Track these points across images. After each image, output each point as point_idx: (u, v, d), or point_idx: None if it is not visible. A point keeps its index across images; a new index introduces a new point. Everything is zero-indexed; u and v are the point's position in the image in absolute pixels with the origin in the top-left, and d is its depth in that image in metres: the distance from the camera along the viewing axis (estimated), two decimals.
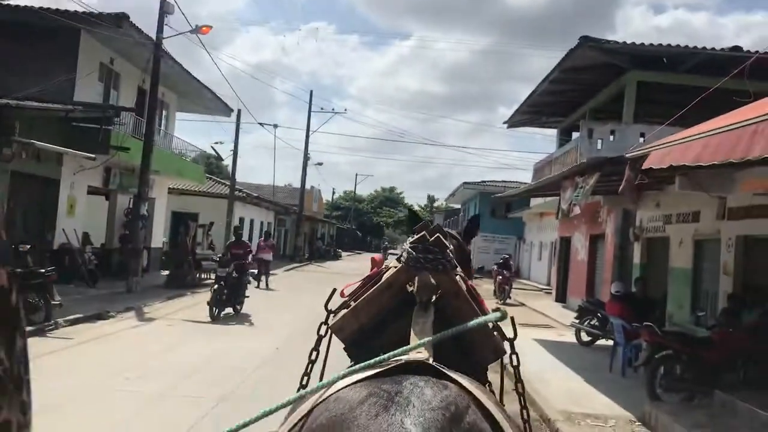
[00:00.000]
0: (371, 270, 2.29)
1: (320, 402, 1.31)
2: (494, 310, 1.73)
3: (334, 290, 1.91)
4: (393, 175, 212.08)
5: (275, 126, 44.52)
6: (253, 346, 10.62)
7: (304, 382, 1.88)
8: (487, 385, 1.75)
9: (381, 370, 1.35)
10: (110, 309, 12.98)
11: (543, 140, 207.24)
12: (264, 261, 22.53)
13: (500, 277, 22.10)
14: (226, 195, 31.25)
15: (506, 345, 1.83)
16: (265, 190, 55.04)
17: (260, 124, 33.40)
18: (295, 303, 17.08)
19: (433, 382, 1.27)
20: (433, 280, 1.64)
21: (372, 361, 1.39)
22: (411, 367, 1.35)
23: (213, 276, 21.53)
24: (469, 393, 1.29)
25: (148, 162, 16.98)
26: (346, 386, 1.31)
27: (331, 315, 1.84)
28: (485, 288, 27.69)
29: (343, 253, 62.38)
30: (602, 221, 18.09)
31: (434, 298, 1.64)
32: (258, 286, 20.46)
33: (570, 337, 14.51)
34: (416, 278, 1.65)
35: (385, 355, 1.41)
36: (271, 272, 31.29)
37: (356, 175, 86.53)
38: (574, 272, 20.52)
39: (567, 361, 11.24)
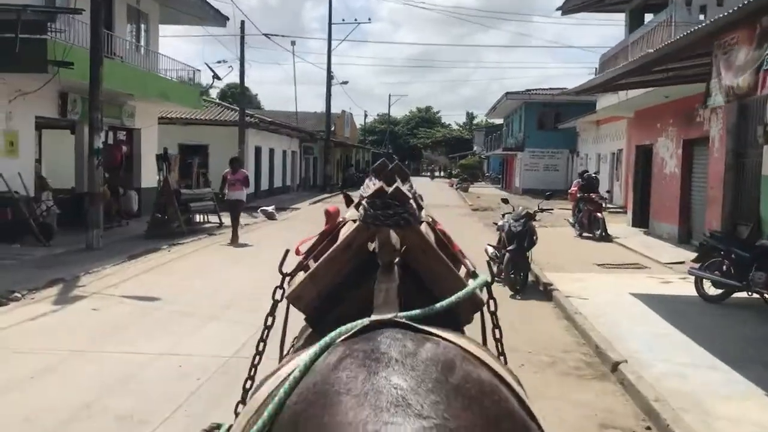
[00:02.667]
0: (325, 224, 1.83)
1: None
2: (472, 276, 1.60)
3: (288, 251, 1.79)
4: (429, 96, 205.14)
5: (293, 42, 40.14)
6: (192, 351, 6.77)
7: (260, 348, 1.71)
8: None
9: (347, 335, 1.15)
10: (28, 283, 9.25)
11: (585, 54, 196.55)
12: (232, 202, 15.31)
13: (587, 205, 16.82)
14: (236, 122, 27.23)
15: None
16: (294, 118, 51.13)
17: (266, 35, 28.46)
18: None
19: (411, 334, 1.12)
20: (395, 237, 1.44)
21: (332, 334, 1.17)
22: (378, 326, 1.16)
23: (208, 219, 17.95)
24: (455, 344, 1.13)
25: (96, 79, 12.95)
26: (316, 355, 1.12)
27: (287, 279, 1.69)
28: (559, 216, 23.61)
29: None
30: (702, 120, 13.51)
31: (398, 258, 1.43)
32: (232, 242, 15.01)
33: (680, 285, 10.35)
34: (377, 237, 1.43)
35: (347, 325, 1.19)
36: (293, 206, 27.78)
37: (389, 95, 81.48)
38: (660, 190, 16.06)
39: (704, 338, 7.10)
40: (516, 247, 9.79)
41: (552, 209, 18.09)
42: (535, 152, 41.04)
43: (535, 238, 10.17)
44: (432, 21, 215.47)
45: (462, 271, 1.63)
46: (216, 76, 21.60)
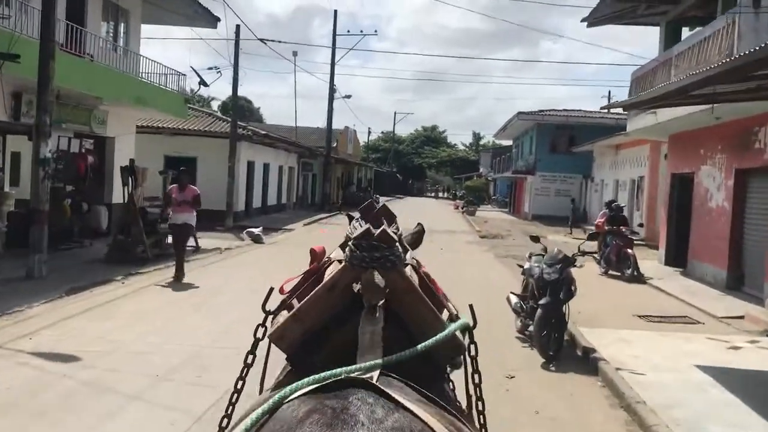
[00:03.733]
0: (310, 264, 1.84)
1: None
2: (453, 319, 1.62)
3: (272, 289, 1.79)
4: (434, 116, 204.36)
5: (295, 53, 38.27)
6: None
7: (239, 386, 1.70)
8: (448, 384, 1.70)
9: (321, 384, 1.20)
10: None
11: (596, 71, 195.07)
12: (178, 227, 11.95)
13: (617, 240, 14.55)
14: (228, 134, 25.15)
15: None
16: (296, 132, 49.16)
17: (262, 40, 26.45)
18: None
19: (383, 401, 1.15)
20: (380, 279, 1.46)
21: (312, 378, 1.23)
22: (352, 384, 1.20)
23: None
24: (420, 419, 1.14)
25: (46, 75, 10.86)
26: (284, 403, 1.18)
27: (270, 317, 1.69)
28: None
29: (382, 198, 56.10)
30: (763, 146, 11.39)
31: (383, 300, 1.46)
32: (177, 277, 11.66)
33: (753, 353, 8.16)
34: (362, 278, 1.47)
35: (328, 372, 1.24)
36: (285, 227, 25.58)
37: (395, 113, 79.52)
38: (702, 226, 13.90)
39: None
40: (550, 301, 7.63)
41: (595, 252, 15.95)
42: (546, 176, 38.92)
43: (573, 288, 8.00)
44: (440, 40, 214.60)
45: (445, 315, 1.63)
46: (203, 82, 19.66)
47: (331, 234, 14.92)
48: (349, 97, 41.88)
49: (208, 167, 25.18)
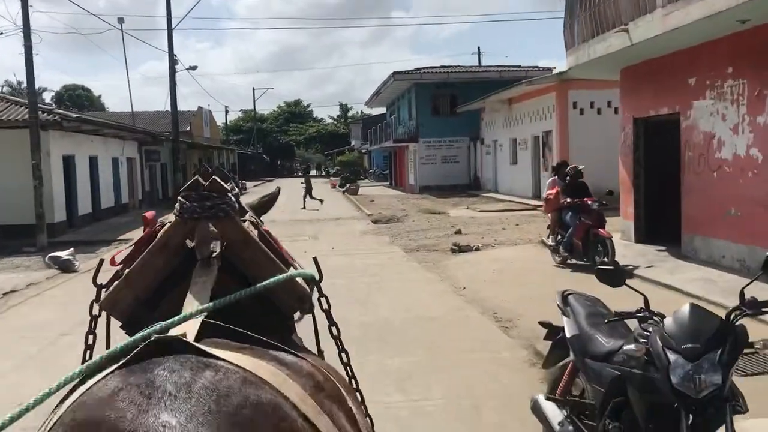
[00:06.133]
0: (143, 231, 1.66)
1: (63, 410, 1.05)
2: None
3: (102, 261, 1.69)
4: (295, 93, 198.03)
5: (120, 20, 31.46)
6: None
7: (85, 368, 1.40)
8: (295, 337, 1.56)
9: (130, 357, 1.09)
10: None
11: (445, 49, 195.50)
12: None
13: (584, 218, 10.13)
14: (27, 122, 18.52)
15: None
16: (143, 117, 41.80)
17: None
18: None
19: (192, 362, 1.06)
20: (215, 230, 1.40)
21: (117, 346, 1.17)
22: (167, 347, 1.11)
23: None
24: (239, 366, 1.08)
25: None
26: (90, 386, 1.07)
27: (103, 290, 1.53)
28: (485, 220, 16.88)
29: (249, 184, 49.76)
30: None
31: (218, 251, 1.39)
32: None
33: None
34: (195, 231, 1.42)
35: (138, 335, 1.17)
36: (122, 238, 19.02)
37: (253, 89, 72.38)
38: (708, 185, 9.77)
39: None
40: None
41: (548, 236, 11.55)
42: (431, 143, 34.81)
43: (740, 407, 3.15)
44: (291, 18, 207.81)
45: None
46: None
47: None
48: (194, 68, 35.40)
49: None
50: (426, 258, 12.82)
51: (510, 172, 28.14)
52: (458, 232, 16.56)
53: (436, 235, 16.52)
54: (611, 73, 12.39)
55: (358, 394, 1.59)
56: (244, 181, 52.28)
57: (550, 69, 33.67)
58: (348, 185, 38.33)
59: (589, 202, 10.31)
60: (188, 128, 44.22)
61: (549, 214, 11.30)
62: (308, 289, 1.50)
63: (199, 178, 1.45)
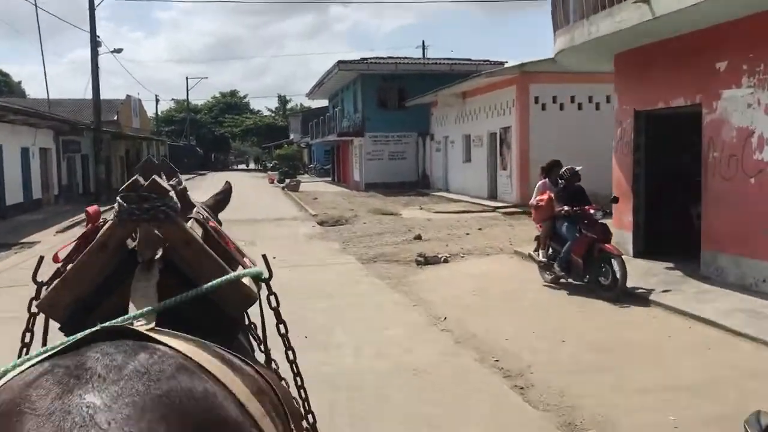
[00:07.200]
0: (86, 226, 1.63)
1: None
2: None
3: (42, 258, 1.60)
4: (231, 85, 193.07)
5: None
6: None
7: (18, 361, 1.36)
8: (242, 338, 1.62)
9: (67, 344, 1.09)
10: None
11: (384, 43, 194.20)
12: None
13: (586, 230, 8.46)
14: None
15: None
16: (65, 105, 38.14)
17: None
18: None
19: (127, 346, 1.05)
20: (156, 232, 1.37)
21: (63, 341, 1.13)
22: (106, 335, 1.09)
23: None
24: (176, 350, 1.07)
25: None
26: (20, 371, 1.05)
27: (43, 289, 1.49)
28: (448, 223, 14.70)
29: (181, 178, 46.50)
30: None
31: (159, 254, 1.38)
32: None
33: None
34: (137, 232, 1.38)
35: (80, 333, 1.11)
36: (24, 240, 15.81)
37: (187, 78, 68.59)
38: (742, 193, 8.11)
39: None
40: None
41: (535, 250, 9.75)
42: (378, 137, 32.88)
43: None
44: (226, 10, 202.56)
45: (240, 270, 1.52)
46: None
47: None
48: (119, 51, 32.19)
49: None
50: (388, 272, 10.87)
51: (462, 171, 26.49)
52: (418, 237, 14.71)
53: (393, 240, 14.59)
54: (603, 59, 10.70)
55: (304, 402, 1.68)
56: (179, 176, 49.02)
57: (501, 63, 32.28)
58: (288, 181, 35.96)
59: (592, 211, 8.55)
60: (116, 117, 40.86)
61: (538, 225, 9.50)
62: (255, 289, 1.47)
63: (139, 178, 1.41)
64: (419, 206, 22.81)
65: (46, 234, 17.52)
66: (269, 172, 52.60)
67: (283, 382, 1.58)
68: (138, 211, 1.33)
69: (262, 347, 1.77)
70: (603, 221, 8.68)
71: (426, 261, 11.53)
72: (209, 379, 1.04)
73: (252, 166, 72.47)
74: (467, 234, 15.35)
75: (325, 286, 9.67)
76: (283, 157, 56.32)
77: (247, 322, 1.76)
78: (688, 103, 8.76)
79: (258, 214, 21.34)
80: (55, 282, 1.40)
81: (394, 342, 6.80)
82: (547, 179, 9.56)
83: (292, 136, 66.13)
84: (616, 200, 8.65)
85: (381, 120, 32.66)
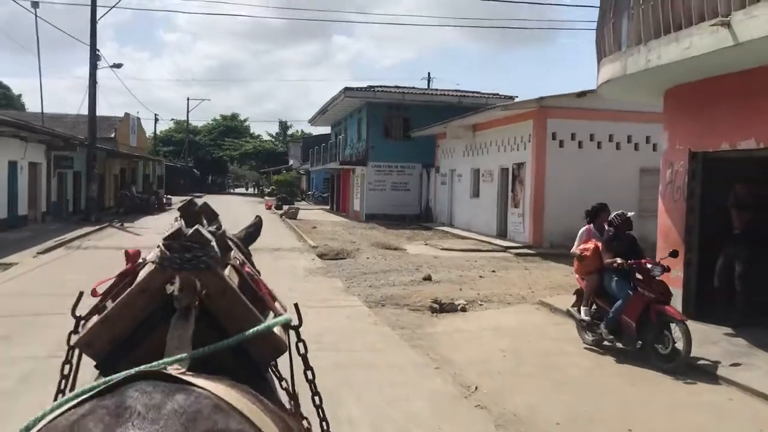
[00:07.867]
0: (126, 265, 1.68)
1: None
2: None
3: (81, 293, 1.70)
4: (232, 109, 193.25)
5: (35, 3, 27.25)
6: None
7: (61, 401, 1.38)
8: (269, 383, 1.57)
9: (105, 386, 1.10)
10: None
11: (387, 74, 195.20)
12: None
13: (644, 288, 7.19)
14: None
15: None
16: (62, 120, 37.04)
17: None
18: None
19: (164, 386, 1.08)
20: (195, 280, 1.39)
21: (99, 381, 1.16)
22: (142, 378, 1.12)
23: None
24: (211, 393, 1.09)
25: None
26: (61, 413, 1.06)
27: (82, 322, 1.58)
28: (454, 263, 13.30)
29: (176, 199, 45.20)
30: None
31: (197, 302, 1.39)
32: None
33: None
34: (176, 280, 1.40)
35: (118, 375, 1.14)
36: (2, 261, 14.59)
37: (188, 99, 67.59)
38: None
39: None
40: None
41: (574, 305, 8.50)
42: (381, 167, 31.75)
43: None
44: (233, 34, 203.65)
45: (271, 316, 1.58)
46: None
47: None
48: (119, 66, 31.16)
49: None
50: (400, 320, 9.60)
51: (469, 206, 25.32)
52: (428, 278, 13.47)
53: (401, 280, 13.34)
54: (651, 93, 9.59)
55: None
56: (169, 196, 47.76)
57: (512, 97, 31.42)
58: (287, 208, 34.71)
59: (650, 266, 7.32)
60: (113, 135, 39.79)
61: (579, 277, 8.26)
62: (285, 338, 1.49)
63: (182, 227, 1.42)
64: (424, 241, 21.56)
65: (25, 255, 16.19)
66: (266, 198, 51.41)
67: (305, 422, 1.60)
68: (179, 260, 1.35)
69: (283, 384, 1.68)
70: (661, 278, 7.45)
71: (441, 308, 10.28)
72: (243, 419, 1.06)
73: (250, 190, 71.24)
74: (480, 277, 14.09)
75: (329, 337, 8.37)
76: (281, 183, 55.22)
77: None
78: (762, 146, 7.58)
79: (255, 242, 19.98)
80: (95, 322, 1.41)
81: (419, 420, 5.52)
82: (591, 225, 8.36)
83: (291, 162, 65.13)
84: (675, 254, 7.45)
85: (385, 149, 31.59)
